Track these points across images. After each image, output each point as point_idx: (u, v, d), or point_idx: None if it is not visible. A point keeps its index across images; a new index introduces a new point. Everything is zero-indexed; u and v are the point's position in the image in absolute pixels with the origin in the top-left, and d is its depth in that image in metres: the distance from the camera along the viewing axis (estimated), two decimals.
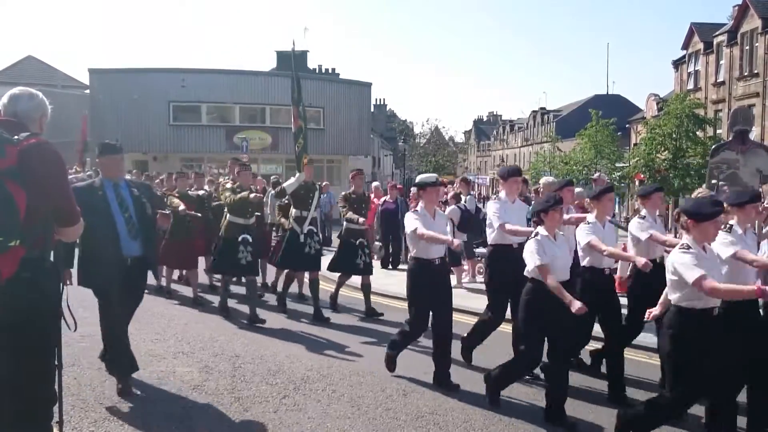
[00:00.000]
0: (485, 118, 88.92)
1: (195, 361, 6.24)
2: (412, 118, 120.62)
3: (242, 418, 4.81)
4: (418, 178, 6.15)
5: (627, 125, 38.94)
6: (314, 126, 38.15)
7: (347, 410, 5.06)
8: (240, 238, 7.82)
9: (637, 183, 30.29)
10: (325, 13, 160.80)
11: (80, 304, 8.21)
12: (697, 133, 27.14)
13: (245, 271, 8.20)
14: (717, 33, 29.98)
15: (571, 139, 37.22)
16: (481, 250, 12.09)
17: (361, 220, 8.41)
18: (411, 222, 5.67)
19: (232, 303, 8.78)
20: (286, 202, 8.84)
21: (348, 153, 35.88)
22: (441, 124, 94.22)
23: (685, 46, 32.75)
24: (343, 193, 8.98)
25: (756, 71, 27.03)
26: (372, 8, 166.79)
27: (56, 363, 3.25)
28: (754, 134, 23.77)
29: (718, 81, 29.95)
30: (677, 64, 33.91)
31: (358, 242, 8.50)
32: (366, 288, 8.71)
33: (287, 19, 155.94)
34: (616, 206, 33.71)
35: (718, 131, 28.30)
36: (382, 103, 69.08)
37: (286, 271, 9.03)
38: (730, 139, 9.62)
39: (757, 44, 27.04)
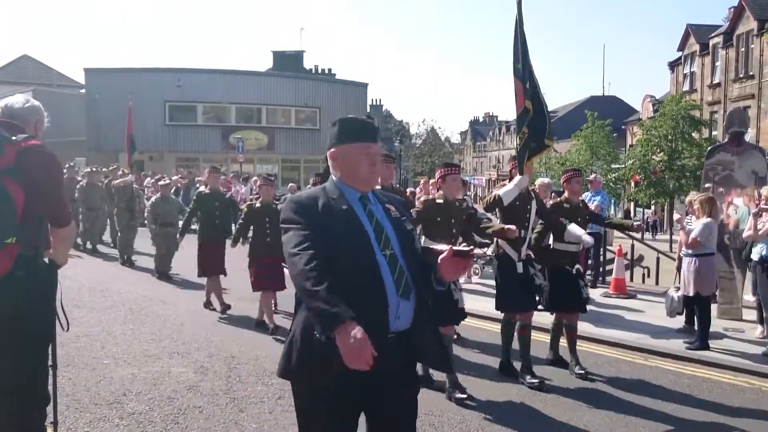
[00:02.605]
0: (481, 119, 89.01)
1: (190, 361, 6.21)
2: (408, 118, 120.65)
3: (237, 418, 4.80)
4: None
5: (623, 126, 39.10)
6: (310, 126, 38.25)
7: None
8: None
9: (633, 184, 30.38)
10: (322, 14, 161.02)
11: (75, 304, 8.27)
12: (693, 134, 27.26)
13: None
14: (713, 35, 30.09)
15: (567, 140, 37.28)
16: (477, 251, 12.07)
17: (587, 238, 6.06)
18: None
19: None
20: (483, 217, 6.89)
21: None
22: (437, 125, 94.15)
23: (681, 48, 32.87)
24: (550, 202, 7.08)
25: (751, 73, 27.13)
26: (368, 8, 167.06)
27: (51, 363, 3.25)
28: (750, 136, 23.81)
29: (713, 82, 30.06)
30: (673, 65, 34.04)
31: (575, 270, 6.26)
32: (571, 330, 6.30)
33: (283, 19, 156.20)
34: (611, 207, 33.81)
35: (714, 133, 28.40)
36: (378, 103, 69.20)
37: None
38: (726, 140, 9.63)
39: (752, 46, 27.14)
